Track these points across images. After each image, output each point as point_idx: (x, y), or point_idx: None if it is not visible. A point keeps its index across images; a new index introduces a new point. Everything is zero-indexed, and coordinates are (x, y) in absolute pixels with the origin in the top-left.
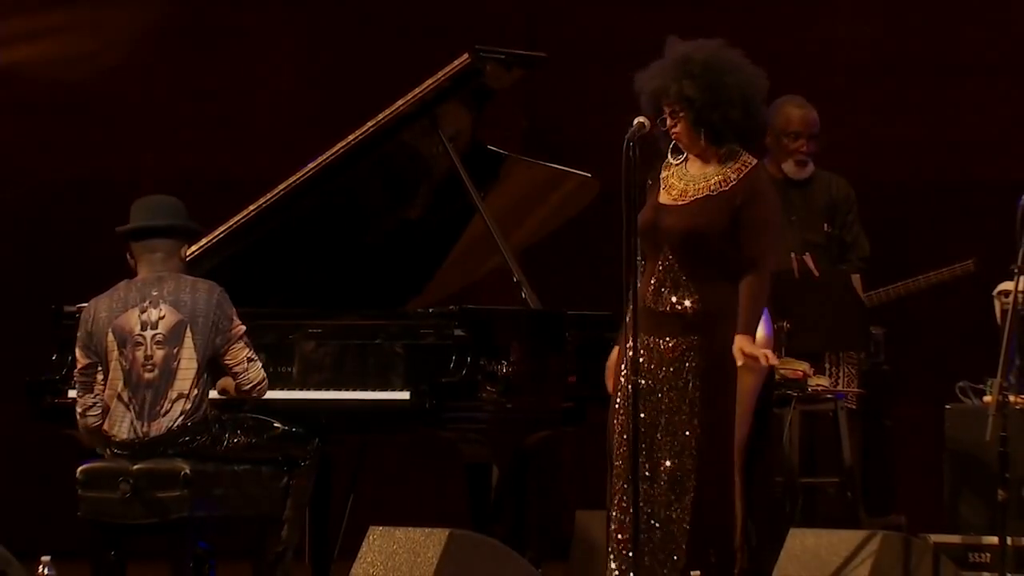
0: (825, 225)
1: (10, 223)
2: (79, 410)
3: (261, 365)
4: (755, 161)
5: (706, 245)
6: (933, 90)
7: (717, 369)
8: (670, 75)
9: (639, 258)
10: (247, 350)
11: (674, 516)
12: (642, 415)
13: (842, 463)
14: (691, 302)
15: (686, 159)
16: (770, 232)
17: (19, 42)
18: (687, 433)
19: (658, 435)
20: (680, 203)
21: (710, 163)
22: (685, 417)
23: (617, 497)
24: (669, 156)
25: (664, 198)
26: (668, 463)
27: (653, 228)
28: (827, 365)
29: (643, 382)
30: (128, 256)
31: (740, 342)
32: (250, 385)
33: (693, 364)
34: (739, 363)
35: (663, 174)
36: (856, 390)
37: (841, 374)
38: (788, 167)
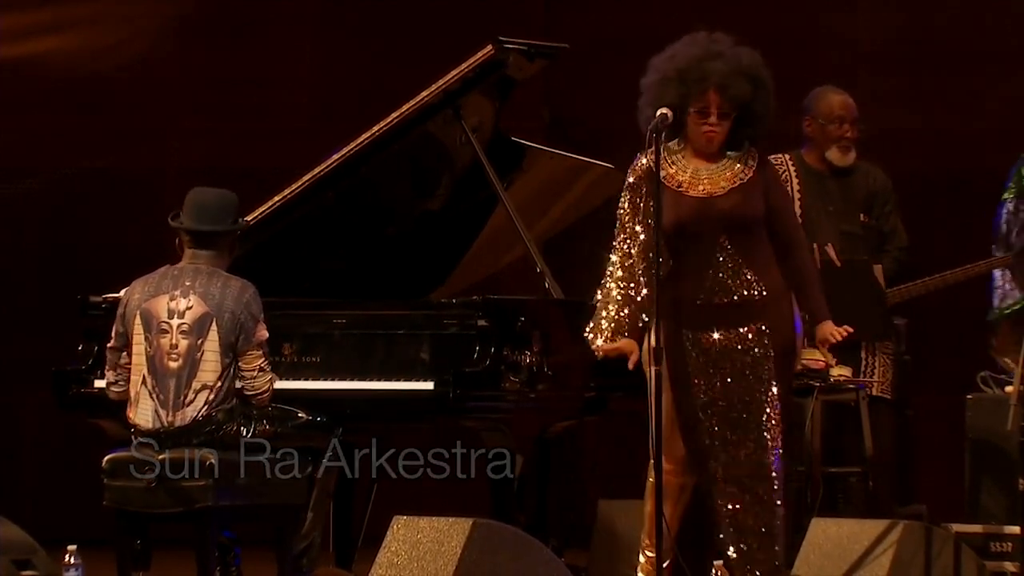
0: (862, 216)
1: (36, 212)
2: (104, 383)
3: (271, 378)
4: (755, 150)
5: (757, 228)
6: (955, 79)
7: (786, 353)
8: (752, 81)
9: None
10: (262, 359)
11: (762, 501)
12: (721, 403)
13: (864, 453)
14: (757, 288)
15: (687, 159)
16: (795, 212)
17: (45, 33)
18: (771, 421)
19: (739, 429)
20: (720, 193)
21: (715, 158)
22: (766, 404)
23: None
24: (666, 153)
25: (693, 193)
26: (753, 446)
27: (700, 219)
28: (863, 355)
29: (699, 380)
30: (177, 242)
31: (831, 328)
32: (253, 392)
33: (765, 350)
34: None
35: (661, 174)
36: (890, 380)
37: (876, 364)
38: (833, 154)
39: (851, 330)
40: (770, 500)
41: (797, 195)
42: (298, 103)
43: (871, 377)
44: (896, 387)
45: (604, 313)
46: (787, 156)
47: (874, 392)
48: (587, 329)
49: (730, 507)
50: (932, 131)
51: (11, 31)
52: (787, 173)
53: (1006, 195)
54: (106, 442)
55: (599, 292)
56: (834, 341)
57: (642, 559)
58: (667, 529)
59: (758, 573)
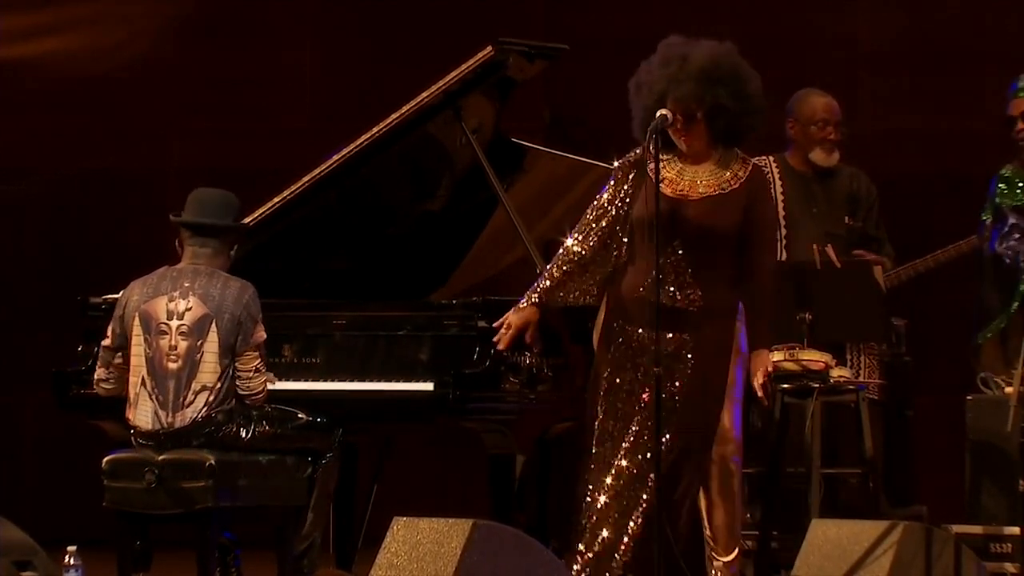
0: (847, 218)
1: (37, 214)
2: (94, 379)
3: (266, 379)
4: (754, 161)
5: (719, 242)
6: (956, 79)
7: (709, 368)
8: (700, 82)
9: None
10: (259, 360)
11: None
12: (614, 402)
13: (864, 454)
14: (694, 298)
15: (676, 156)
16: (772, 234)
17: (45, 34)
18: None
19: (634, 429)
20: (693, 198)
21: (707, 162)
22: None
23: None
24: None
25: (668, 191)
26: (638, 461)
27: (665, 220)
28: (848, 356)
29: (614, 368)
30: (177, 244)
31: (765, 361)
32: (248, 392)
33: (686, 361)
34: (760, 383)
35: (650, 167)
36: (877, 381)
37: (862, 365)
38: (816, 155)
39: (769, 373)
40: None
41: (780, 197)
42: (298, 103)
43: (857, 378)
44: (883, 388)
45: (540, 286)
46: (771, 158)
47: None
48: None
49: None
50: (932, 131)
51: (11, 32)
52: (770, 175)
53: (984, 216)
54: (106, 443)
55: (552, 263)
56: (757, 385)
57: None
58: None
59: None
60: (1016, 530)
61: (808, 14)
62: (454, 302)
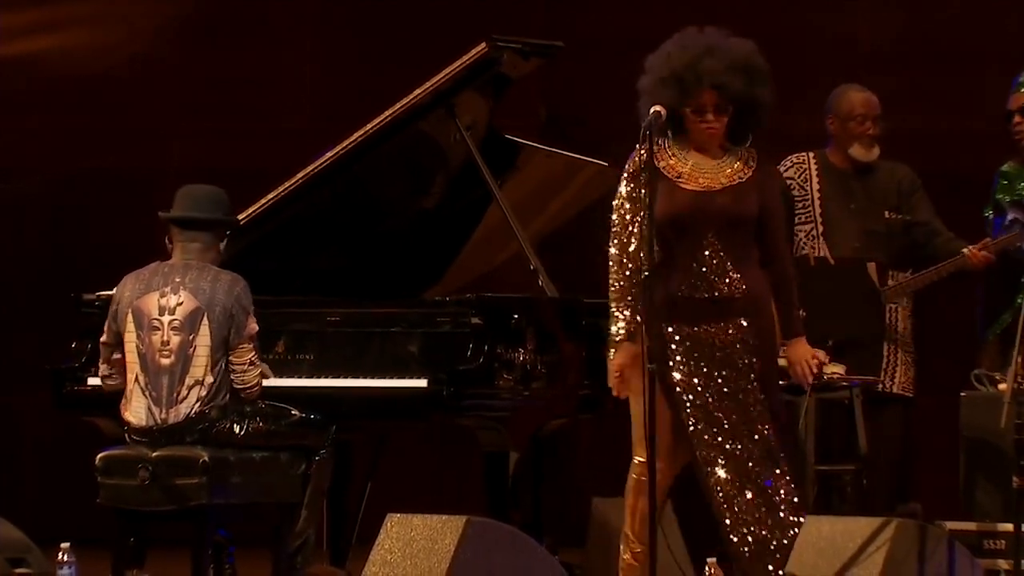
0: (887, 213)
1: (35, 212)
2: (100, 375)
3: (260, 372)
4: (755, 150)
5: (748, 228)
6: (955, 79)
7: (768, 348)
8: (747, 76)
9: (657, 248)
10: (253, 353)
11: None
12: (701, 401)
13: (858, 451)
14: (739, 286)
15: (684, 151)
16: (784, 221)
17: (43, 32)
18: (757, 410)
19: (733, 417)
20: (717, 189)
21: (718, 154)
22: (752, 396)
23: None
24: (666, 147)
25: (690, 186)
26: (747, 443)
27: (695, 213)
28: (885, 353)
29: (684, 370)
30: (167, 240)
31: (807, 350)
32: (243, 386)
33: (748, 345)
34: (812, 372)
35: (660, 164)
36: (911, 377)
37: (898, 362)
38: (856, 150)
39: (824, 360)
40: (766, 491)
41: (817, 194)
42: (298, 103)
43: (892, 374)
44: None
45: (623, 315)
46: (811, 154)
47: (895, 390)
48: (615, 332)
49: (723, 502)
50: (932, 131)
51: (10, 30)
52: (807, 172)
53: (986, 212)
54: (104, 441)
55: (612, 289)
56: (807, 371)
57: (626, 555)
58: (641, 525)
59: (763, 562)
60: (1010, 526)
61: (808, 14)
62: (448, 299)
